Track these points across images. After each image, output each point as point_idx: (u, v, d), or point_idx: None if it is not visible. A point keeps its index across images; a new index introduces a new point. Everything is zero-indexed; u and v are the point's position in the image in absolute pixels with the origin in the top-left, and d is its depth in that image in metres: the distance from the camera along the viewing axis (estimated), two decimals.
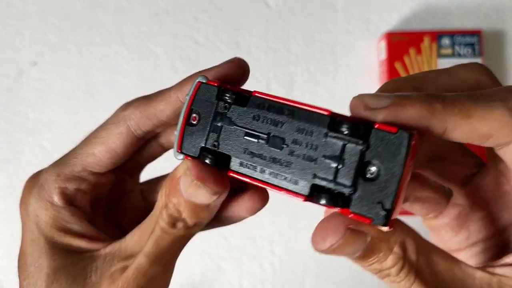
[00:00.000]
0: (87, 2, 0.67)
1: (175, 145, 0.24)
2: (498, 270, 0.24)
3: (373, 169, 0.20)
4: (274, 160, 0.22)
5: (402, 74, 0.64)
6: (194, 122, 0.24)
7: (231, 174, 0.23)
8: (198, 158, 0.24)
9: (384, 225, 0.20)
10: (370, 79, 0.66)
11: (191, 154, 0.24)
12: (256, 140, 0.22)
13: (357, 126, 0.20)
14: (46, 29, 0.67)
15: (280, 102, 0.22)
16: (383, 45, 0.64)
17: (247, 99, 0.23)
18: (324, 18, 0.67)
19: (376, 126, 0.20)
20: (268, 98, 0.23)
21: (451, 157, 0.27)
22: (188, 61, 0.66)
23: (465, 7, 0.67)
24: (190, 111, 0.24)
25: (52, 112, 0.66)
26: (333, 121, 0.21)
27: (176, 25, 0.67)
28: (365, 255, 0.22)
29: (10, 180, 0.65)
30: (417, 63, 0.64)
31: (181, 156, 0.24)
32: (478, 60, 0.64)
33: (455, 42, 0.64)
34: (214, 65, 0.28)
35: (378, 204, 0.20)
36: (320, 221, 0.22)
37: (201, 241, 0.65)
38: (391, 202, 0.19)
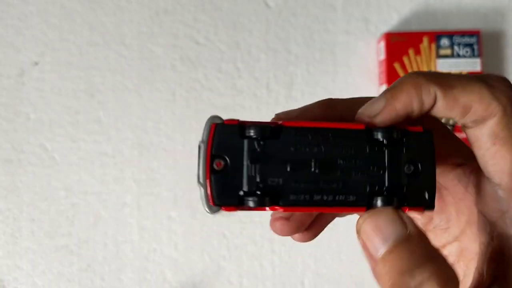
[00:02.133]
0: (87, 2, 0.67)
1: (205, 199, 0.22)
2: None
3: (413, 166, 0.23)
4: (327, 183, 0.22)
5: (401, 74, 0.64)
6: (220, 168, 0.22)
7: (286, 209, 0.22)
8: (241, 205, 0.22)
9: (433, 209, 0.23)
10: (370, 79, 0.66)
11: (231, 204, 0.22)
12: (303, 170, 0.22)
13: (391, 133, 0.23)
14: (47, 29, 0.67)
15: (314, 127, 0.23)
16: (382, 45, 0.65)
17: (278, 131, 0.22)
18: (324, 18, 0.67)
19: (407, 128, 0.23)
20: (300, 126, 0.23)
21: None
22: (188, 61, 0.67)
23: (464, 7, 0.67)
24: (211, 158, 0.22)
25: (52, 112, 0.66)
26: (370, 133, 0.23)
27: (176, 25, 0.67)
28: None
29: (11, 180, 0.65)
30: (416, 64, 0.64)
31: (216, 209, 0.22)
32: (477, 61, 0.64)
33: (454, 42, 0.64)
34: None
35: (425, 194, 0.23)
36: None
37: (201, 240, 0.65)
38: (433, 189, 0.23)
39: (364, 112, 0.23)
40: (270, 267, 0.65)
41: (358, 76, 0.66)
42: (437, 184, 0.26)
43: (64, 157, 0.65)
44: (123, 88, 0.66)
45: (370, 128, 0.23)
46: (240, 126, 0.22)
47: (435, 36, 0.64)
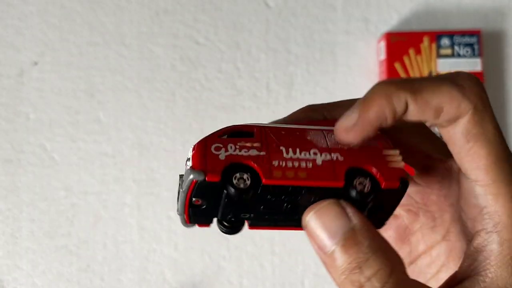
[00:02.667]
0: (87, 2, 0.67)
1: (183, 219, 0.26)
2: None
3: (373, 208, 0.25)
4: (294, 215, 0.25)
5: (402, 74, 0.64)
6: (198, 204, 0.24)
7: (252, 228, 0.25)
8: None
9: (379, 227, 0.26)
10: (370, 79, 0.66)
11: (205, 224, 0.26)
12: (275, 209, 0.25)
13: (367, 197, 0.24)
14: (47, 29, 0.67)
15: (293, 186, 0.24)
16: (382, 45, 0.65)
17: (257, 187, 0.23)
18: (324, 18, 0.67)
19: (383, 186, 0.24)
20: (279, 184, 0.24)
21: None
22: (188, 61, 0.66)
23: (465, 7, 0.67)
24: (190, 198, 0.24)
25: (52, 112, 0.66)
26: (347, 192, 0.24)
27: (176, 25, 0.67)
28: (345, 244, 0.23)
29: (11, 180, 0.65)
30: (417, 64, 0.64)
31: (192, 225, 0.26)
32: (478, 60, 0.64)
33: (454, 42, 0.64)
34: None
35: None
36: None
37: (201, 240, 0.65)
38: (383, 221, 0.26)
39: (340, 126, 0.24)
40: (270, 267, 0.65)
41: (358, 76, 0.66)
42: (421, 183, 0.28)
43: (64, 157, 0.65)
44: (123, 88, 0.66)
45: (347, 187, 0.24)
46: (222, 184, 0.23)
47: (436, 36, 0.64)
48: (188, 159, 0.24)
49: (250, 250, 0.65)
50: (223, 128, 0.25)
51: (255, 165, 0.23)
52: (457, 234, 0.28)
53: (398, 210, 0.29)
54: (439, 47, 0.64)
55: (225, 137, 0.24)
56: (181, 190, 0.24)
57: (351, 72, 0.66)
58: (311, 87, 0.66)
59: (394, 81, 0.24)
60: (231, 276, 0.65)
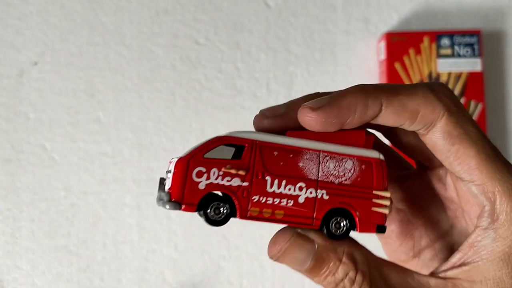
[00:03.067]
0: (87, 2, 0.67)
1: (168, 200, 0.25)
2: (449, 274, 0.25)
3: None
4: None
5: (402, 74, 0.64)
6: None
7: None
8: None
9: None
10: (370, 79, 0.66)
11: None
12: None
13: (339, 237, 0.25)
14: (46, 29, 0.67)
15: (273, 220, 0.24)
16: (382, 45, 0.65)
17: (231, 216, 0.24)
18: (324, 18, 0.67)
19: (358, 231, 0.25)
20: (253, 220, 0.24)
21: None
22: (188, 61, 0.66)
23: (465, 7, 0.67)
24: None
25: (52, 112, 0.66)
26: (321, 228, 0.25)
27: (176, 25, 0.67)
28: (315, 265, 0.24)
29: (10, 180, 0.65)
30: (417, 64, 0.64)
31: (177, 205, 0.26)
32: (478, 60, 0.64)
33: (454, 42, 0.64)
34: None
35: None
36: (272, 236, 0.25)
37: (201, 240, 0.65)
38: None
39: (308, 103, 0.24)
40: (270, 268, 0.65)
41: (358, 76, 0.66)
42: (426, 178, 0.29)
43: (64, 157, 0.65)
44: (123, 88, 0.66)
45: (323, 225, 0.24)
46: (197, 211, 0.24)
47: (436, 36, 0.64)
48: (169, 172, 0.23)
49: (250, 250, 0.65)
50: (213, 140, 0.24)
51: (234, 198, 0.23)
52: (459, 230, 0.28)
53: (402, 206, 0.30)
54: (439, 47, 0.64)
55: (212, 152, 0.24)
56: (158, 192, 0.24)
57: (351, 72, 0.66)
58: (311, 87, 0.66)
59: (372, 84, 0.24)
60: (231, 276, 0.65)
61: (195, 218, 0.69)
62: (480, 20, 0.67)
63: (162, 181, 0.24)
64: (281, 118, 0.25)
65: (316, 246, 0.24)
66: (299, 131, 0.25)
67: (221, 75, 0.66)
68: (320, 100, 0.24)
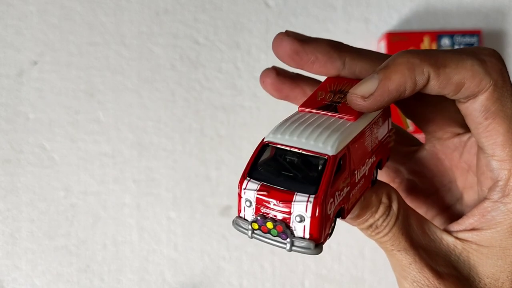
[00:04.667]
0: (87, 2, 0.67)
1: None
2: (460, 235, 0.26)
3: None
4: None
5: None
6: None
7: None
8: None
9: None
10: None
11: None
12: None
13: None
14: (46, 29, 0.67)
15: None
16: (383, 45, 0.64)
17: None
18: (324, 18, 0.67)
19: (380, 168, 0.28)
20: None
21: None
22: (188, 61, 0.66)
23: (465, 7, 0.67)
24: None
25: (52, 112, 0.66)
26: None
27: (176, 25, 0.67)
28: (361, 212, 0.25)
29: (10, 180, 0.65)
30: None
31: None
32: None
33: (455, 42, 0.64)
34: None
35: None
36: None
37: (201, 241, 0.65)
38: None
39: (357, 92, 0.23)
40: (270, 268, 0.64)
41: None
42: (436, 150, 0.30)
43: (64, 157, 0.65)
44: (123, 88, 0.66)
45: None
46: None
47: (436, 36, 0.64)
48: (301, 217, 0.21)
49: (250, 251, 0.65)
50: (330, 165, 0.21)
51: (344, 207, 0.23)
52: (468, 199, 0.29)
53: (413, 177, 0.31)
54: (439, 47, 0.64)
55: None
56: (289, 240, 0.23)
57: None
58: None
59: (418, 52, 0.23)
60: (231, 276, 0.65)
61: (195, 218, 0.69)
62: (480, 20, 0.67)
63: (269, 220, 0.22)
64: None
65: (363, 198, 0.26)
66: (313, 101, 0.26)
67: (221, 75, 0.66)
68: (368, 86, 0.23)
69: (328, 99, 0.25)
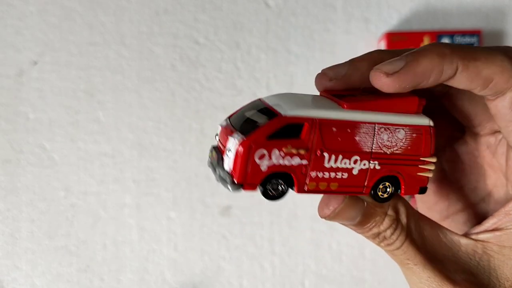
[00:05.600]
0: (87, 2, 0.67)
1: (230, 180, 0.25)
2: (480, 236, 0.25)
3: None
4: None
5: None
6: None
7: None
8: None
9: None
10: None
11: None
12: None
13: (384, 200, 0.26)
14: (46, 29, 0.67)
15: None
16: (383, 45, 0.64)
17: (287, 190, 0.25)
18: (324, 18, 0.67)
19: (402, 194, 0.26)
20: (309, 193, 0.25)
21: (438, 115, 0.29)
22: (188, 61, 0.66)
23: (465, 7, 0.67)
24: None
25: (52, 112, 0.66)
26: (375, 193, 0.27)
27: (176, 25, 0.67)
28: (364, 220, 0.25)
29: (10, 180, 0.65)
30: None
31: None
32: None
33: (455, 42, 0.64)
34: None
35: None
36: (322, 198, 0.26)
37: (201, 240, 0.65)
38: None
39: (382, 67, 0.23)
40: (270, 268, 0.64)
41: None
42: (471, 146, 0.29)
43: (64, 157, 0.65)
44: (123, 88, 0.66)
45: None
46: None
47: (436, 36, 0.64)
48: (229, 150, 0.23)
49: (250, 251, 0.65)
50: (275, 122, 0.23)
51: (293, 176, 0.24)
52: (496, 198, 0.29)
53: (445, 166, 0.30)
54: None
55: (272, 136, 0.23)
56: (217, 169, 0.24)
57: None
58: (312, 87, 0.66)
59: (450, 44, 0.23)
60: (231, 276, 0.65)
61: (195, 218, 0.69)
62: (480, 20, 0.67)
63: (217, 151, 0.25)
64: (343, 79, 0.25)
65: (365, 204, 0.25)
66: (339, 92, 0.26)
67: (221, 75, 0.66)
68: (394, 64, 0.23)
69: (348, 92, 0.26)
